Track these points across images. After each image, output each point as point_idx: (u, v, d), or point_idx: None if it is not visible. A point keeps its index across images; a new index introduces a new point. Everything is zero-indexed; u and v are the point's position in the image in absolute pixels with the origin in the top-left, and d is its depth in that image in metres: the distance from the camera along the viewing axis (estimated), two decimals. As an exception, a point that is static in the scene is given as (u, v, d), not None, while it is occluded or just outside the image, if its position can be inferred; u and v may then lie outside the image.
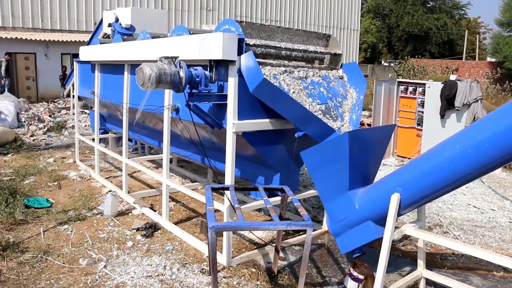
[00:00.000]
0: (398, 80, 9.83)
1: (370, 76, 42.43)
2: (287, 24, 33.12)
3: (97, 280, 4.08)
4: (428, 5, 61.22)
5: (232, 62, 4.03)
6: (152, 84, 3.81)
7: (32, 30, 21.25)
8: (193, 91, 4.13)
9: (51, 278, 4.10)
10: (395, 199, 3.46)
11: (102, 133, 9.15)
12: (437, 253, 5.08)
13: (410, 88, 9.46)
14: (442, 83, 8.72)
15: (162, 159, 8.32)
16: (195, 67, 4.09)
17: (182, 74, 3.91)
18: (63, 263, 4.40)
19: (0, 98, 13.55)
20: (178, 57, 3.96)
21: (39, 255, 4.51)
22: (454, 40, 59.76)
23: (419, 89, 9.31)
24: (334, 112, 4.56)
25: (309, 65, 4.76)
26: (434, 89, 8.73)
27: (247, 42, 4.22)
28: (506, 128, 2.86)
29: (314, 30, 31.62)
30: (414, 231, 3.65)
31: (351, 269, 4.11)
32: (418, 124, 9.35)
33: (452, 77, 8.86)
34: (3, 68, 17.67)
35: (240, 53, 4.06)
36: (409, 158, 9.43)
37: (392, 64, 48.42)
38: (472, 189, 7.93)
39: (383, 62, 64.27)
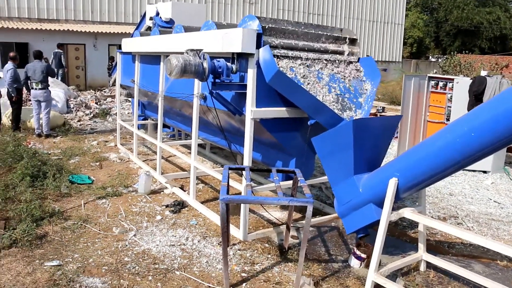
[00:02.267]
0: (428, 75, 9.90)
1: (414, 71, 41.57)
2: (330, 17, 33.08)
3: (126, 245, 4.62)
4: (479, -1, 58.82)
5: (251, 55, 4.44)
6: (178, 73, 4.27)
7: (82, 22, 22.44)
8: (216, 80, 4.58)
9: (88, 241, 4.68)
10: (392, 183, 3.77)
11: (142, 120, 9.80)
12: (445, 241, 5.31)
13: (441, 84, 9.52)
14: (471, 79, 8.77)
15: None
16: (218, 59, 4.53)
17: (205, 65, 4.36)
18: (99, 230, 4.98)
19: (52, 85, 14.53)
20: (202, 49, 4.41)
21: (79, 223, 5.11)
22: (507, 35, 57.31)
23: (449, 85, 9.37)
24: (349, 102, 4.88)
25: (328, 58, 5.09)
26: (462, 84, 8.79)
27: (265, 37, 4.60)
28: (490, 118, 3.13)
29: (357, 24, 31.53)
30: (412, 215, 3.94)
31: (355, 249, 4.45)
32: (447, 119, 9.42)
33: (483, 73, 8.88)
34: (63, 59, 18.73)
35: (258, 46, 4.45)
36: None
37: (439, 60, 47.18)
38: (497, 185, 7.99)
39: (430, 57, 62.52)
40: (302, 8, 33.59)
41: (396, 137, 9.52)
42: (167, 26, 8.79)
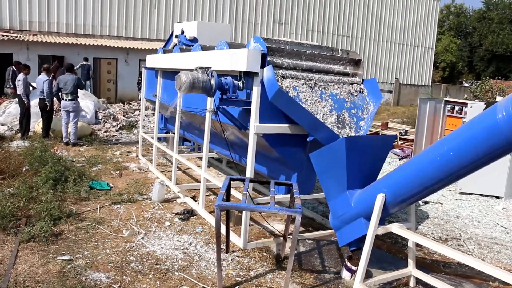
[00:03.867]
0: (445, 99, 10.03)
1: (444, 96, 41.10)
2: (359, 40, 33.27)
3: (133, 246, 4.96)
4: (516, 24, 57.83)
5: (256, 73, 4.77)
6: (187, 88, 4.64)
7: (116, 38, 23.44)
8: (223, 96, 4.92)
9: (99, 241, 5.04)
10: (379, 198, 3.99)
11: (165, 133, 10.24)
12: (442, 261, 5.43)
13: (456, 108, 9.64)
14: (484, 103, 8.87)
15: (212, 157, 9.26)
16: (225, 77, 4.88)
17: (212, 81, 4.71)
18: (110, 232, 5.34)
19: (82, 97, 15.25)
20: (210, 67, 4.77)
21: (93, 224, 5.49)
22: (546, 62, 55.89)
23: (465, 109, 9.48)
24: (349, 121, 5.14)
25: (331, 79, 5.37)
26: (476, 109, 8.88)
27: (271, 57, 4.93)
28: (466, 139, 3.34)
29: (387, 47, 31.51)
30: (399, 230, 4.14)
31: (347, 261, 4.66)
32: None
33: (498, 99, 8.97)
34: (90, 72, 19.61)
35: (263, 66, 4.78)
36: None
37: (473, 85, 46.41)
38: (508, 211, 7.99)
39: (464, 82, 61.69)
40: (331, 30, 33.91)
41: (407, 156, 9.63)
42: (190, 44, 9.25)
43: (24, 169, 7.37)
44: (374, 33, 34.14)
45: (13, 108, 12.79)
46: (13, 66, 14.84)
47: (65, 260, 4.47)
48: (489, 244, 6.24)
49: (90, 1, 23.76)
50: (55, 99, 11.13)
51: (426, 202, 7.96)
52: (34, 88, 11.39)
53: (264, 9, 30.81)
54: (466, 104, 9.50)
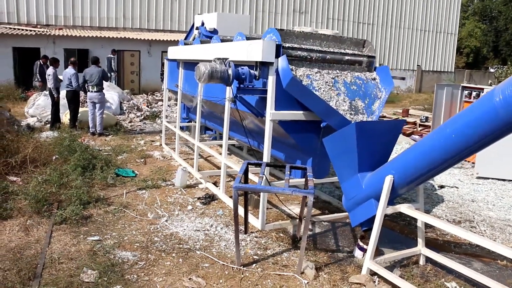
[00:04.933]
0: (462, 85, 10.05)
1: (467, 82, 40.43)
2: (380, 27, 32.96)
3: (158, 228, 5.29)
4: (544, 6, 56.03)
5: (271, 63, 5.00)
6: (206, 79, 4.90)
7: (138, 30, 23.89)
8: (240, 86, 5.17)
9: (125, 223, 5.40)
10: (388, 180, 4.20)
11: (187, 122, 10.57)
12: (453, 241, 5.60)
13: (474, 93, 9.66)
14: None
15: (232, 144, 9.55)
16: (242, 67, 5.12)
17: (230, 72, 4.96)
18: (136, 215, 5.69)
19: (107, 89, 15.72)
20: (228, 58, 5.02)
21: (119, 208, 5.85)
22: None
23: (482, 94, 9.48)
24: (361, 108, 5.33)
25: (345, 66, 5.56)
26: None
27: (285, 48, 5.15)
28: (466, 122, 3.51)
29: (408, 34, 31.17)
30: (408, 210, 4.34)
31: (359, 241, 4.88)
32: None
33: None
34: (113, 64, 20.11)
35: (278, 56, 5.00)
36: (469, 161, 9.66)
37: (498, 70, 45.27)
38: (526, 194, 8.05)
39: (490, 68, 60.35)
40: (352, 18, 33.66)
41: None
42: (210, 36, 9.50)
43: (54, 157, 7.79)
44: (395, 19, 33.73)
45: (41, 100, 13.31)
46: (40, 60, 15.41)
47: (94, 240, 4.83)
48: (502, 226, 6.36)
49: (113, -5, 24.26)
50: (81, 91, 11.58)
51: (442, 187, 8.08)
52: (61, 81, 11.85)
53: (284, -2, 30.80)
54: (483, 89, 9.50)
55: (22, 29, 21.55)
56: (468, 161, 9.64)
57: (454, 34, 36.75)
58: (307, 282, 4.16)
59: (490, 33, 62.30)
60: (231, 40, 6.93)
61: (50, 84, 11.38)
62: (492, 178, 8.80)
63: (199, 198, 6.54)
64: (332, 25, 32.89)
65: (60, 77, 11.74)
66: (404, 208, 4.35)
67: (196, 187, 7.22)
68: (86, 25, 23.87)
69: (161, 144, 10.43)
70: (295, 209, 6.26)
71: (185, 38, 12.10)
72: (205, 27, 10.04)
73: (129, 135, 11.46)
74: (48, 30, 21.88)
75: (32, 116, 13.07)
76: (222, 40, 7.04)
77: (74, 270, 4.13)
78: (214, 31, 9.74)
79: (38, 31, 21.49)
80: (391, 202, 4.40)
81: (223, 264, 4.44)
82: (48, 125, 11.86)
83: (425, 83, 35.27)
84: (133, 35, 22.31)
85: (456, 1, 36.76)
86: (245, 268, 4.37)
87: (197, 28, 10.54)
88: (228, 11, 28.04)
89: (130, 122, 13.81)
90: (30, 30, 21.37)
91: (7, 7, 22.65)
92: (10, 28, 21.60)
